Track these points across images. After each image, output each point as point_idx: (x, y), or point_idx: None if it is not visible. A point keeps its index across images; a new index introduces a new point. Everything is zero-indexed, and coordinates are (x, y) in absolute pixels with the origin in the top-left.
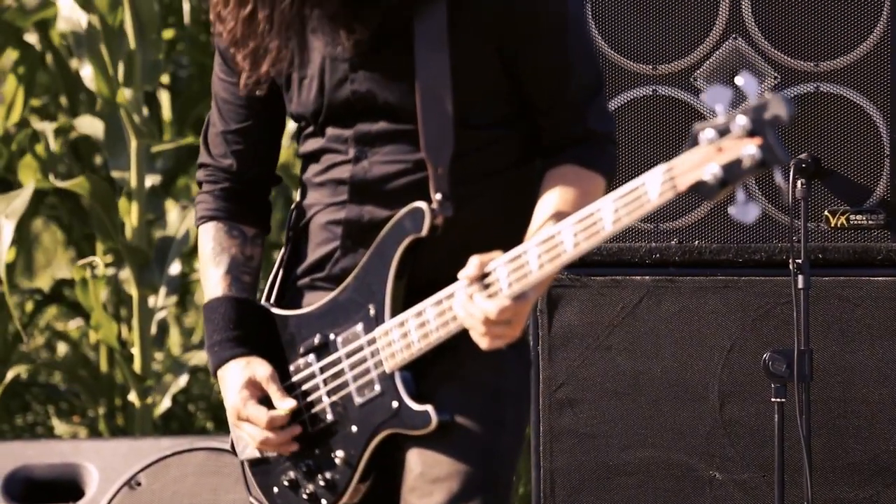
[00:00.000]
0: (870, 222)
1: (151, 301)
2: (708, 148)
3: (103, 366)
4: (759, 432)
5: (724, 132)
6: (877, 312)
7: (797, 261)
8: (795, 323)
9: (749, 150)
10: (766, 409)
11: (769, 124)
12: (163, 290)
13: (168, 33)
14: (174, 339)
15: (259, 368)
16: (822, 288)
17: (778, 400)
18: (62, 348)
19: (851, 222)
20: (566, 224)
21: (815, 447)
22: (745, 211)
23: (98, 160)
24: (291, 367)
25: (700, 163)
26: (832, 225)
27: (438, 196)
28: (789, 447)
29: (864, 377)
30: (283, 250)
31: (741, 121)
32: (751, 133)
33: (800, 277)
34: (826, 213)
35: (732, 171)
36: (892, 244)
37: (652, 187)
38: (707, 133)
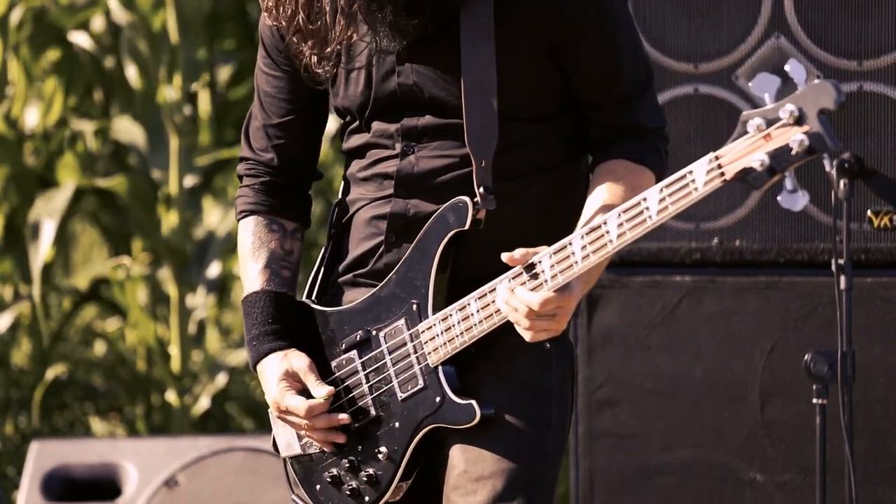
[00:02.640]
0: None
1: (190, 300)
2: (756, 136)
3: (141, 365)
4: (800, 433)
5: (772, 120)
6: None
7: (839, 261)
8: (838, 324)
9: (797, 137)
10: (808, 411)
11: (818, 111)
12: (201, 290)
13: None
14: (212, 338)
15: (295, 360)
16: (864, 289)
17: (820, 401)
18: (100, 347)
19: (895, 222)
20: (611, 214)
21: (857, 449)
22: (794, 200)
23: (137, 159)
24: (333, 364)
25: (748, 151)
26: (875, 225)
27: (481, 189)
28: (831, 449)
29: None
30: (325, 247)
31: (789, 108)
32: (799, 120)
33: (842, 278)
34: (869, 213)
35: (781, 159)
36: None
37: (699, 175)
38: (755, 121)
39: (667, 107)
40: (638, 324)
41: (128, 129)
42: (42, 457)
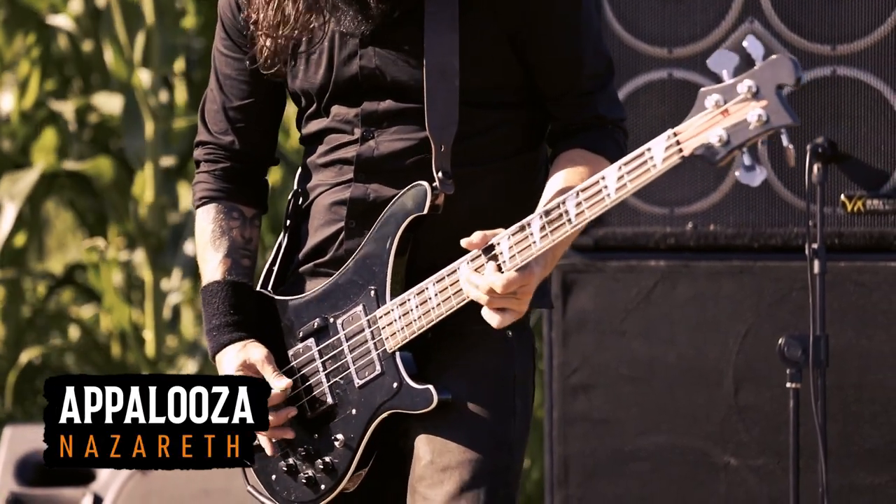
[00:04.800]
0: (886, 207)
1: (164, 284)
2: (713, 112)
3: (116, 349)
4: (774, 418)
5: (729, 96)
6: (893, 297)
7: (813, 246)
8: (811, 308)
9: (755, 112)
10: (782, 395)
11: (776, 86)
12: (176, 274)
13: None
14: (187, 322)
15: (253, 351)
16: (838, 273)
17: (793, 385)
18: (74, 332)
19: (868, 207)
20: (570, 194)
21: (830, 433)
22: (752, 176)
23: (113, 142)
24: (291, 353)
25: (706, 126)
26: (848, 210)
27: (440, 174)
28: (804, 433)
29: (880, 362)
30: (281, 235)
31: (747, 83)
32: (757, 96)
33: (816, 262)
34: (842, 197)
35: (739, 135)
36: None
37: (657, 152)
38: (713, 97)
39: (641, 91)
40: (612, 309)
41: (107, 102)
42: (16, 442)
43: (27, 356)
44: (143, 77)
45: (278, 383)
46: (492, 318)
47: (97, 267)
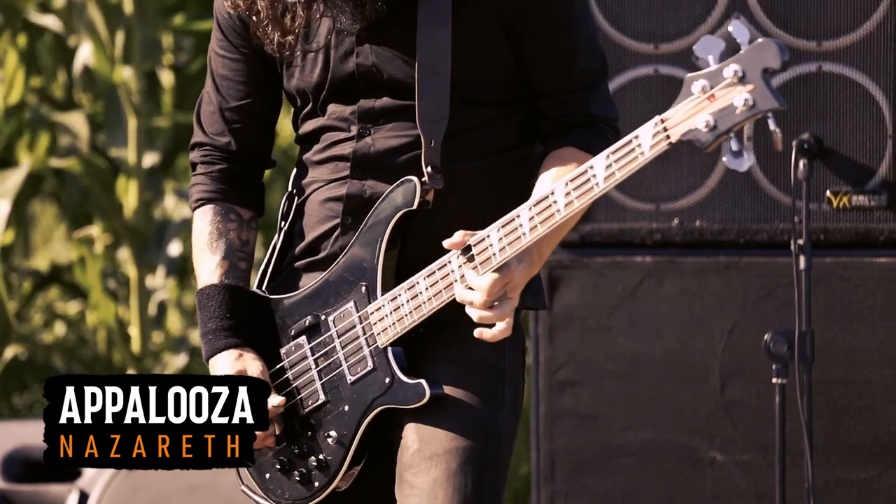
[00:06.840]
0: (872, 203)
1: (150, 281)
2: (700, 97)
3: (101, 346)
4: (760, 413)
5: (715, 81)
6: (879, 293)
7: (799, 242)
8: (797, 304)
9: (742, 97)
10: (768, 391)
11: (762, 70)
12: (161, 271)
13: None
14: (173, 319)
15: (251, 364)
16: (823, 269)
17: (779, 381)
18: (60, 328)
19: (853, 203)
20: (558, 184)
21: (816, 428)
22: (739, 161)
23: (99, 139)
24: (283, 351)
25: (693, 112)
26: (834, 206)
27: (429, 169)
28: (790, 428)
29: (865, 358)
30: (277, 234)
31: (733, 68)
32: (743, 80)
33: (801, 258)
34: (828, 193)
35: (725, 120)
36: (895, 225)
37: (645, 139)
38: (699, 82)
39: (627, 87)
40: (599, 304)
41: (73, 120)
42: (1, 438)
43: (12, 351)
44: (125, 74)
45: (271, 401)
46: (486, 332)
47: (83, 262)
